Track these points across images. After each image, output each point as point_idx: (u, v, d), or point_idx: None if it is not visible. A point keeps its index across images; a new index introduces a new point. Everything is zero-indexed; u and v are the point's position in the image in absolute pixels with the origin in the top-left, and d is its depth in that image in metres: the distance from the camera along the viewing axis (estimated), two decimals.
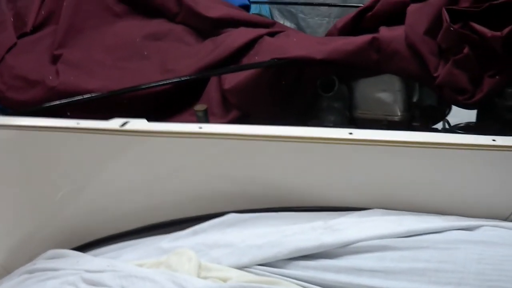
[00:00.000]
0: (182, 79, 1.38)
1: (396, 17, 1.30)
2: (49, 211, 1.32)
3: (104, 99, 1.42)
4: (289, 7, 2.76)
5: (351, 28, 1.40)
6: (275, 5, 2.77)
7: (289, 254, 0.99)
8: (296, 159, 1.10)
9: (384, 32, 1.22)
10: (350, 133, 1.04)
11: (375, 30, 1.34)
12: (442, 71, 1.12)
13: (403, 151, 1.03)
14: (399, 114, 1.33)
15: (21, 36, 1.56)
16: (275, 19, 2.74)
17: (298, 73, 1.32)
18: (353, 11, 1.40)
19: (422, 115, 1.33)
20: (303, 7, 2.80)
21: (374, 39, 1.20)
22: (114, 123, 1.20)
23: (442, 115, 1.37)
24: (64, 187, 1.28)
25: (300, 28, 2.81)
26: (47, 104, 1.36)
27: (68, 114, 1.42)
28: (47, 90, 1.42)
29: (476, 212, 1.05)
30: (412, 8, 1.23)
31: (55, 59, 1.50)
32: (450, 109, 1.39)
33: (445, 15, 1.11)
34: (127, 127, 1.18)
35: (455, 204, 1.06)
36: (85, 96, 1.36)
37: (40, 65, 1.49)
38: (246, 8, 1.87)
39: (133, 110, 1.45)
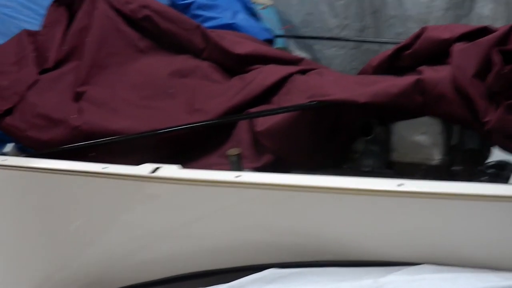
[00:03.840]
0: (213, 122, 1.33)
1: (436, 55, 1.25)
2: (69, 256, 1.26)
3: (129, 141, 1.37)
4: (304, 39, 2.74)
5: (387, 66, 1.35)
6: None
7: None
8: (341, 210, 1.03)
9: (428, 73, 1.16)
10: (400, 185, 0.98)
11: (413, 69, 1.29)
12: (493, 117, 1.06)
13: (457, 204, 0.96)
14: (439, 158, 1.27)
15: (42, 72, 1.52)
16: (290, 50, 2.72)
17: (336, 115, 1.26)
18: (388, 49, 1.36)
19: (463, 159, 1.27)
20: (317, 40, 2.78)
21: (418, 81, 1.14)
22: (144, 169, 1.14)
23: (483, 158, 1.30)
24: (86, 232, 1.23)
25: (316, 60, 2.77)
26: (71, 146, 1.31)
27: (93, 154, 1.36)
28: (70, 129, 1.37)
29: None
30: (458, 48, 1.17)
31: (78, 97, 1.45)
32: (490, 152, 1.33)
33: (497, 58, 1.05)
34: (158, 173, 1.12)
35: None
36: (113, 138, 1.30)
37: (62, 103, 1.44)
38: (270, 42, 1.84)
39: (160, 150, 1.40)
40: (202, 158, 1.41)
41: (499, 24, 2.09)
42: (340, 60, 2.83)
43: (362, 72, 1.43)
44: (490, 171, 1.29)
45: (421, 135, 1.27)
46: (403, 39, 1.40)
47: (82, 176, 1.18)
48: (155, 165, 1.15)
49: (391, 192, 0.98)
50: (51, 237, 1.28)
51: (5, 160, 1.29)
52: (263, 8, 2.44)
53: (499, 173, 1.22)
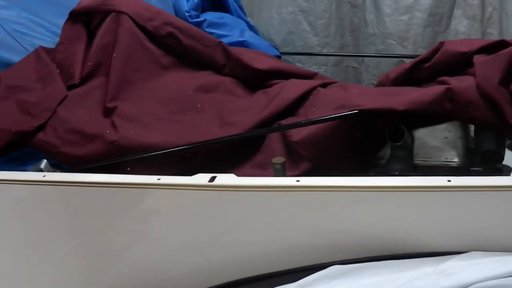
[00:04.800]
0: (250, 134, 1.39)
1: (454, 67, 1.38)
2: (118, 270, 1.27)
3: (165, 154, 1.40)
4: (287, 56, 2.84)
5: (404, 78, 1.47)
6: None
7: None
8: (395, 208, 1.12)
9: (454, 82, 1.28)
10: (449, 181, 1.08)
11: (431, 80, 1.41)
12: None
13: (499, 196, 1.08)
14: (460, 160, 1.39)
15: (69, 88, 1.52)
16: None
17: (370, 124, 1.35)
18: (406, 63, 1.47)
19: (481, 160, 1.39)
20: (300, 56, 2.89)
21: (447, 89, 1.25)
22: (201, 178, 1.18)
23: (500, 158, 1.44)
24: (140, 244, 1.24)
25: None
26: (117, 159, 1.32)
27: (128, 169, 1.38)
28: (106, 144, 1.37)
29: None
30: (480, 59, 1.30)
31: (108, 112, 1.46)
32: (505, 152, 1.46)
33: None
34: (216, 182, 1.16)
35: None
36: (156, 152, 1.33)
37: (94, 118, 1.44)
38: (279, 58, 1.93)
39: (191, 163, 1.44)
40: (233, 169, 1.45)
41: None
42: None
43: (379, 84, 1.54)
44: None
45: (443, 140, 1.38)
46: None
47: (138, 188, 1.20)
48: (210, 174, 1.20)
49: (443, 188, 1.08)
50: (101, 250, 1.28)
51: (45, 176, 1.28)
52: None
53: None
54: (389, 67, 2.71)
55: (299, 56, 2.91)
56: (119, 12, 1.58)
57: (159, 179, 1.20)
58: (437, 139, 1.39)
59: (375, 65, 2.76)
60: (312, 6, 2.83)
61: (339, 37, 2.87)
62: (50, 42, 1.73)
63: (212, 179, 1.17)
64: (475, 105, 1.25)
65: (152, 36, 1.60)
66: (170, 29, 1.59)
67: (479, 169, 1.39)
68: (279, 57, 1.92)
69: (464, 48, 1.35)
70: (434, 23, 2.57)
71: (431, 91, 1.27)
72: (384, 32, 2.66)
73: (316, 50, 2.88)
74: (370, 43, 2.73)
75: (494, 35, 2.46)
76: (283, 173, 1.30)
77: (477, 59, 1.30)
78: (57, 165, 1.41)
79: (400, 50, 2.63)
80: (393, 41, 2.64)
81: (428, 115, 1.30)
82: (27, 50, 1.66)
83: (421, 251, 1.15)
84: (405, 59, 2.56)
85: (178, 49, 1.62)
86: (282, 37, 2.91)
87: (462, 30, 2.53)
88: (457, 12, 2.55)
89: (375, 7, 2.69)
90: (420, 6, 2.56)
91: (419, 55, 1.51)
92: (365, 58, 2.79)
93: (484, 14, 2.50)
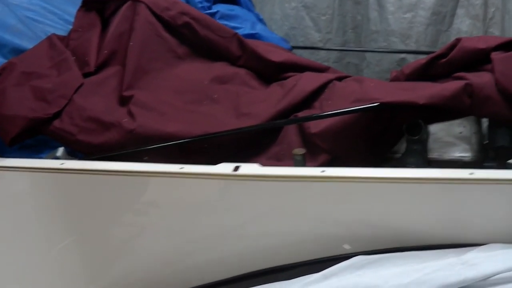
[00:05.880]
0: (269, 124, 1.39)
1: (470, 63, 1.41)
2: (138, 259, 1.26)
3: (183, 143, 1.40)
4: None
5: (419, 73, 1.49)
6: None
7: None
8: (418, 200, 1.14)
9: (474, 78, 1.30)
10: (471, 173, 1.10)
11: (447, 76, 1.43)
12: None
13: None
14: (473, 155, 1.41)
15: (84, 75, 1.50)
16: None
17: (388, 117, 1.37)
18: (422, 58, 1.49)
19: (495, 155, 1.42)
20: (302, 50, 2.90)
21: (467, 85, 1.27)
22: (225, 168, 1.18)
23: None
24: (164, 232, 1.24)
25: None
26: (140, 149, 1.31)
27: (145, 158, 1.37)
28: (124, 133, 1.37)
29: None
30: (499, 56, 1.31)
31: (124, 101, 1.45)
32: None
33: None
34: (240, 171, 1.16)
35: None
36: (175, 141, 1.33)
37: (110, 106, 1.43)
38: (290, 51, 1.93)
39: (210, 154, 1.44)
40: (248, 160, 1.46)
41: None
42: None
43: (394, 79, 1.55)
44: None
45: (458, 135, 1.41)
46: None
47: (160, 177, 1.20)
48: (234, 164, 1.20)
49: (465, 180, 1.10)
50: (120, 238, 1.28)
51: (62, 163, 1.27)
52: None
53: None
54: (391, 65, 2.75)
55: (301, 52, 2.92)
56: (136, 1, 1.57)
57: (182, 167, 1.20)
58: (451, 134, 1.41)
59: (376, 62, 2.78)
60: (315, 2, 2.85)
61: (341, 34, 2.89)
62: (61, 29, 1.72)
63: (236, 168, 1.18)
64: (494, 100, 1.27)
65: (168, 25, 1.59)
66: (187, 19, 1.59)
67: (493, 164, 1.42)
68: (290, 50, 1.93)
69: (482, 45, 1.37)
70: (437, 22, 2.60)
71: (451, 86, 1.28)
72: (386, 29, 2.69)
73: (318, 46, 2.89)
74: (372, 40, 2.76)
75: (496, 35, 2.50)
76: (303, 164, 1.30)
77: (496, 55, 1.32)
78: (72, 153, 1.40)
79: (402, 48, 2.65)
80: (396, 39, 2.66)
81: (446, 110, 1.32)
82: (39, 37, 1.64)
83: (442, 243, 1.17)
84: (407, 57, 2.61)
85: (194, 39, 1.61)
86: (284, 32, 2.91)
87: (465, 30, 2.57)
88: (460, 11, 2.58)
89: (378, 5, 2.71)
90: (424, 5, 2.59)
91: (422, 52, 1.53)
92: (367, 55, 2.81)
93: (487, 14, 2.54)
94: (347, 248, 1.16)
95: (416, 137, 1.36)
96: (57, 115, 1.40)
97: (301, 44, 2.91)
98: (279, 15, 2.93)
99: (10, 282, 1.34)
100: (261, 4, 2.97)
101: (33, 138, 1.46)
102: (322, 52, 2.91)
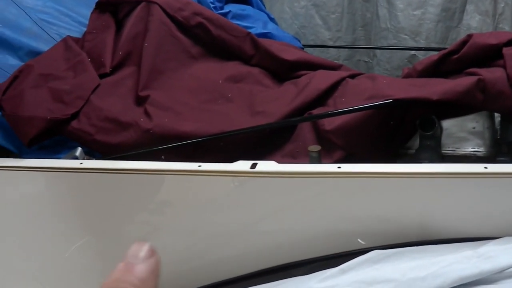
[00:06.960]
0: (285, 122, 1.41)
1: (481, 59, 1.41)
2: (162, 251, 1.28)
3: (199, 142, 1.41)
4: None
5: (432, 70, 1.50)
6: None
7: (451, 284, 1.01)
8: (431, 195, 1.15)
9: (486, 73, 1.31)
10: (485, 167, 1.11)
11: (458, 72, 1.44)
12: None
13: None
14: (486, 150, 1.42)
15: (100, 76, 1.53)
16: None
17: (402, 113, 1.38)
18: (434, 54, 1.50)
19: (508, 150, 1.43)
20: (311, 49, 2.91)
21: (479, 80, 1.28)
22: (242, 165, 1.20)
23: None
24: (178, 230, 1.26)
25: None
26: (159, 148, 1.33)
27: (162, 157, 1.39)
28: (141, 132, 1.39)
29: None
30: (510, 51, 1.32)
31: (140, 101, 1.47)
32: None
33: None
34: (258, 169, 1.18)
35: None
36: (193, 140, 1.35)
37: (127, 107, 1.45)
38: (302, 49, 1.95)
39: (225, 152, 1.45)
40: (263, 158, 1.47)
41: None
42: None
43: (406, 76, 1.56)
44: None
45: (471, 130, 1.41)
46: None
47: (178, 174, 1.22)
48: (251, 161, 1.22)
49: (480, 174, 1.11)
50: (139, 237, 1.30)
51: (81, 163, 1.30)
52: None
53: None
54: (401, 62, 2.76)
55: (311, 50, 2.94)
56: (150, 2, 1.60)
57: (200, 165, 1.22)
58: (464, 129, 1.42)
59: (387, 59, 2.79)
60: (324, 0, 2.86)
61: (351, 32, 2.90)
62: (76, 32, 1.74)
63: (254, 165, 1.19)
64: (506, 95, 1.28)
65: (181, 26, 1.61)
66: (200, 19, 1.60)
67: (506, 159, 1.43)
68: (302, 48, 1.94)
69: (493, 41, 1.38)
70: (447, 18, 2.61)
71: (464, 82, 1.29)
72: (396, 26, 2.70)
73: (328, 44, 2.90)
74: (382, 37, 2.77)
75: (506, 30, 2.50)
76: (319, 161, 1.32)
77: (507, 51, 1.33)
78: (90, 153, 1.42)
79: (412, 45, 2.66)
80: (406, 36, 2.67)
81: (459, 105, 1.33)
82: (54, 39, 1.67)
83: (458, 236, 1.18)
84: (417, 53, 2.62)
85: (207, 39, 1.63)
86: (294, 31, 2.93)
87: (474, 26, 2.57)
88: (469, 7, 2.59)
89: (387, 2, 2.72)
90: (433, 1, 2.60)
91: (432, 48, 1.54)
92: (377, 53, 2.82)
93: (496, 9, 2.54)
94: (362, 243, 1.17)
95: (430, 133, 1.37)
96: (75, 115, 1.42)
97: (311, 43, 2.92)
98: (289, 14, 2.95)
99: (28, 282, 1.37)
100: (271, 3, 2.99)
101: (50, 139, 1.48)
102: (332, 50, 2.93)
